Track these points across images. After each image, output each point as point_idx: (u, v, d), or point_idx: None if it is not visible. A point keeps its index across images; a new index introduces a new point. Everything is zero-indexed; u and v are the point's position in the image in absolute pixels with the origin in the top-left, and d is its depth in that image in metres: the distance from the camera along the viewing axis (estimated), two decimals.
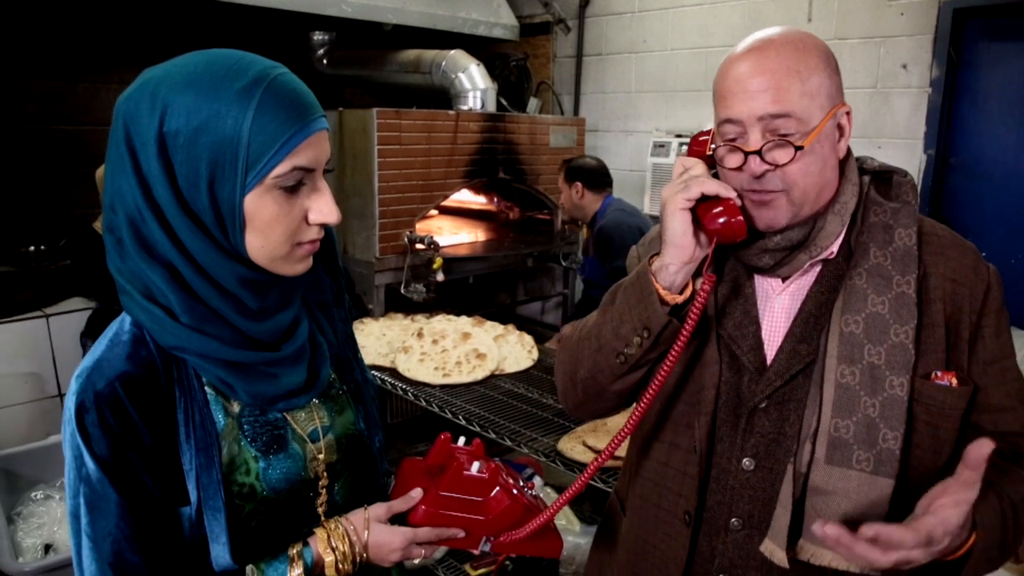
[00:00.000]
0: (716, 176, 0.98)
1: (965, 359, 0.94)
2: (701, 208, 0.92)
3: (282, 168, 0.78)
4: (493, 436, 1.92)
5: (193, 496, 0.82)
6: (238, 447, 0.87)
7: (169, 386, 0.82)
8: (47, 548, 1.94)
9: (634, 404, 0.99)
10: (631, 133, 3.94)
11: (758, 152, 0.90)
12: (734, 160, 0.93)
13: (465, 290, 3.78)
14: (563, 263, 3.80)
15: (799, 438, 0.94)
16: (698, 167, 0.95)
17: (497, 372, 2.36)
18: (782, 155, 0.90)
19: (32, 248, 3.36)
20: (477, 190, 3.82)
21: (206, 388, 0.86)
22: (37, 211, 3.42)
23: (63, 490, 2.02)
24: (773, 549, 0.93)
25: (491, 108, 3.43)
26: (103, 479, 0.78)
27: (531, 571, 2.32)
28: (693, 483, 1.02)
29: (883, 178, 1.02)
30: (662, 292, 0.95)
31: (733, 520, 1.00)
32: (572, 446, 1.80)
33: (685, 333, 0.92)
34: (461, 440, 1.02)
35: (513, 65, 4.05)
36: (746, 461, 0.99)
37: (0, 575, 1.76)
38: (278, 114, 0.78)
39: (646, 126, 3.86)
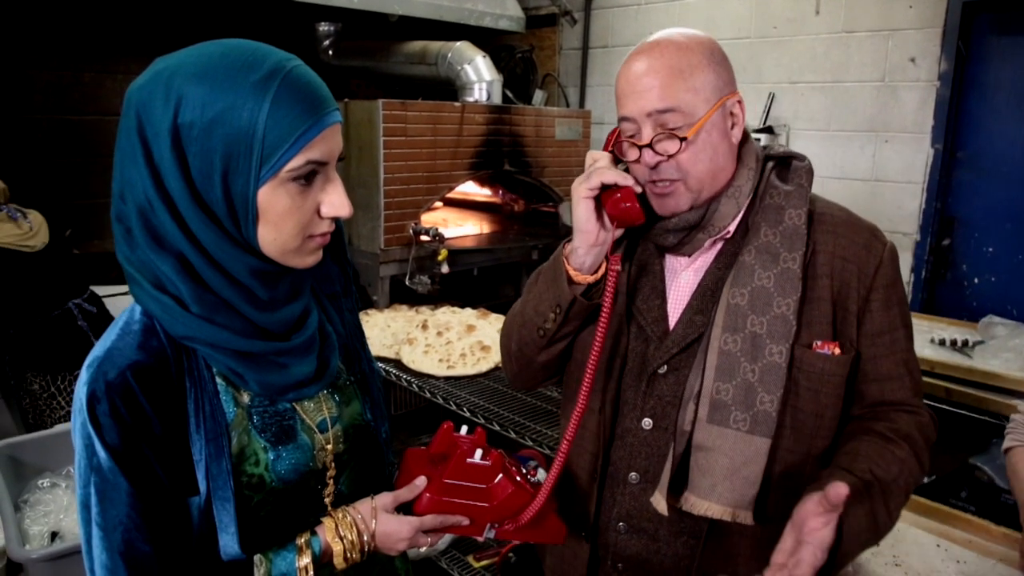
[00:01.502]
0: (626, 170, 1.05)
1: (854, 331, 1.02)
2: (604, 195, 1.01)
3: (296, 161, 0.78)
4: (497, 428, 1.93)
5: (202, 486, 0.83)
6: (248, 438, 0.88)
7: (180, 376, 0.82)
8: (53, 535, 1.96)
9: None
10: None
11: (649, 145, 0.99)
12: (632, 154, 1.02)
13: (469, 282, 3.78)
14: None
15: (682, 399, 1.04)
16: (604, 159, 1.04)
17: (501, 364, 2.36)
18: (670, 146, 0.99)
19: None
20: (482, 182, 3.81)
21: (216, 378, 0.86)
22: (43, 201, 3.42)
23: (69, 478, 2.03)
24: (658, 500, 1.03)
25: (497, 100, 3.42)
26: (114, 468, 0.78)
27: (534, 561, 2.33)
28: (601, 442, 1.12)
29: (784, 163, 1.09)
30: (572, 272, 1.05)
31: (632, 474, 1.10)
32: None
33: (606, 309, 1.01)
34: (463, 429, 1.03)
35: (519, 57, 4.04)
36: (645, 421, 1.08)
37: (7, 562, 1.77)
38: (293, 107, 0.77)
39: None
